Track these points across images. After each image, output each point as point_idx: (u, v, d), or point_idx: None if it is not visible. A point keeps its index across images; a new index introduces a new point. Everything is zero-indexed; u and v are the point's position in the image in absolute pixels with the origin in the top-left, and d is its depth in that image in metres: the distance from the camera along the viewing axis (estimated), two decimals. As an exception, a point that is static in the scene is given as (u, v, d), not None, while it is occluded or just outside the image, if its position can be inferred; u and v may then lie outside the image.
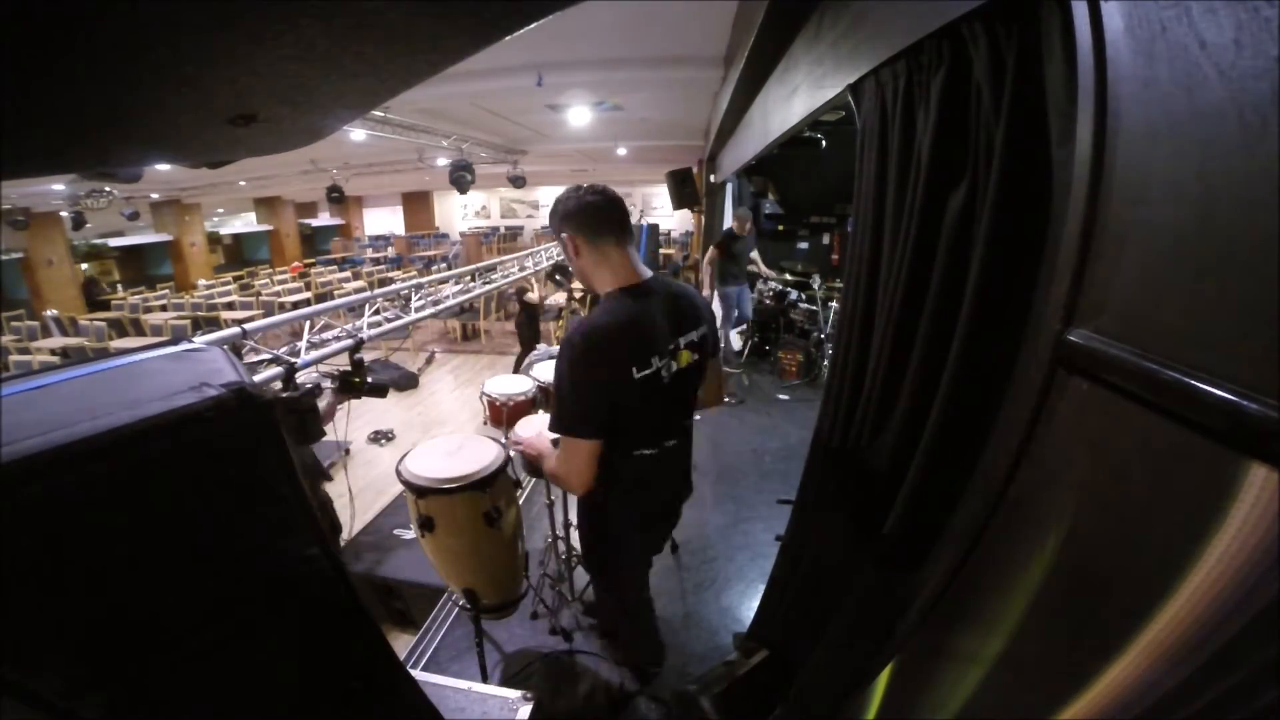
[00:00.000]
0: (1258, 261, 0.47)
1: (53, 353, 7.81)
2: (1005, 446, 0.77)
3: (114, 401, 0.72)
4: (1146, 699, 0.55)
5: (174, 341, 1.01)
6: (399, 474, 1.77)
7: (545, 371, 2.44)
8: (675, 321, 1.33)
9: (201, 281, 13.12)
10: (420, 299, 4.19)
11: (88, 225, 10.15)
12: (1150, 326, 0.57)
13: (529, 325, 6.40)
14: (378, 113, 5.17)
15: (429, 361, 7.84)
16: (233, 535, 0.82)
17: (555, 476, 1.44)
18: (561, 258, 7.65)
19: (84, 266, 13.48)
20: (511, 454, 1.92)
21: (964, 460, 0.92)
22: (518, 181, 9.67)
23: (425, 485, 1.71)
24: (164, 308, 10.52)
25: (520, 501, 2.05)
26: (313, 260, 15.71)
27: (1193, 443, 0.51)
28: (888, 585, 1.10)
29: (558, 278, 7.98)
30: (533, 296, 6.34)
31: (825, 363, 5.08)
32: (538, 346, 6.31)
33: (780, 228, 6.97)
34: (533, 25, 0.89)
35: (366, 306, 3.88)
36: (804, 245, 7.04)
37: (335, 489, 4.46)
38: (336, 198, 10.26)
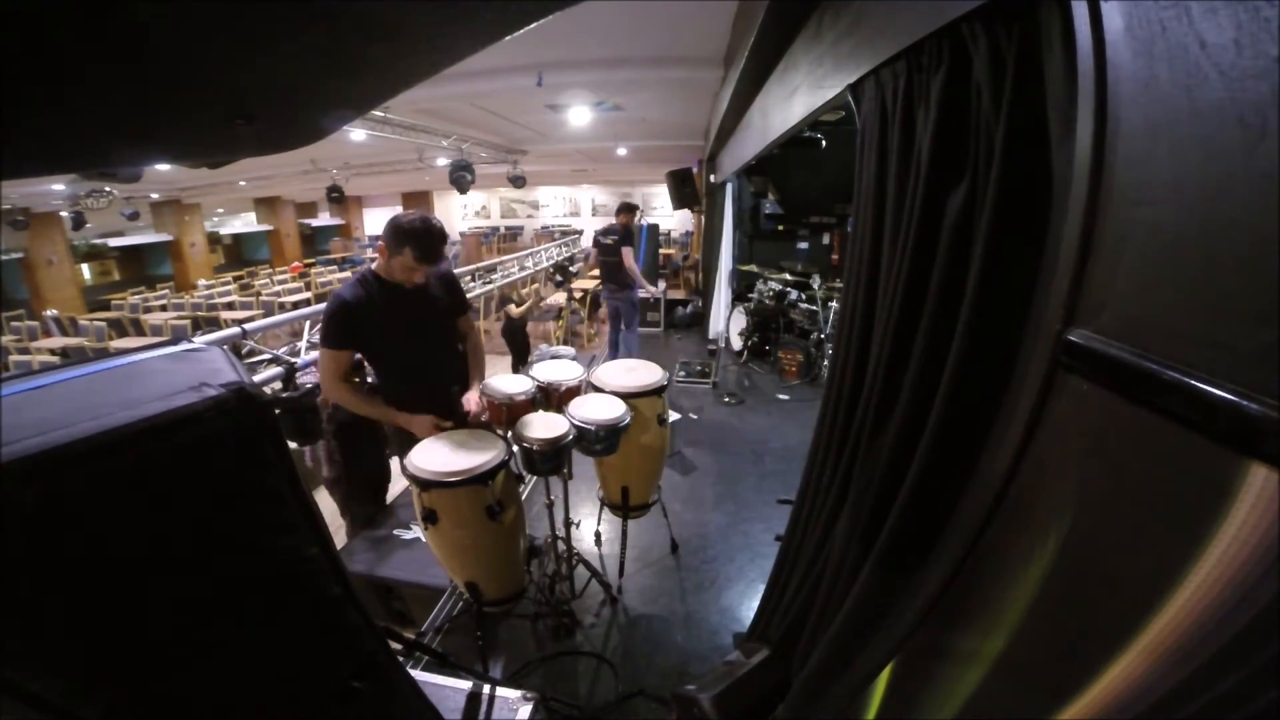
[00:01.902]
0: (1258, 261, 0.47)
1: (53, 353, 7.81)
2: (1005, 446, 0.77)
3: (114, 401, 0.72)
4: (1146, 699, 0.55)
5: (174, 341, 1.01)
6: (404, 467, 1.78)
7: (546, 372, 2.44)
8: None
9: (201, 281, 13.12)
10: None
11: (88, 225, 10.15)
12: (1150, 326, 0.57)
13: (515, 336, 6.18)
14: (378, 113, 5.17)
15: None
16: (232, 535, 0.82)
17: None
18: (562, 258, 7.60)
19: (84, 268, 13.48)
20: (515, 450, 1.93)
21: (964, 460, 0.92)
22: (518, 181, 9.67)
23: (429, 478, 1.72)
24: (164, 308, 10.52)
25: (522, 499, 2.05)
26: (313, 260, 15.71)
27: (1193, 443, 0.51)
28: (888, 585, 1.10)
29: (558, 278, 7.99)
30: (514, 309, 6.03)
31: (825, 363, 5.08)
32: (539, 348, 6.31)
33: (780, 228, 6.97)
34: (533, 25, 0.89)
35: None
36: (804, 245, 7.04)
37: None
38: (336, 198, 10.27)
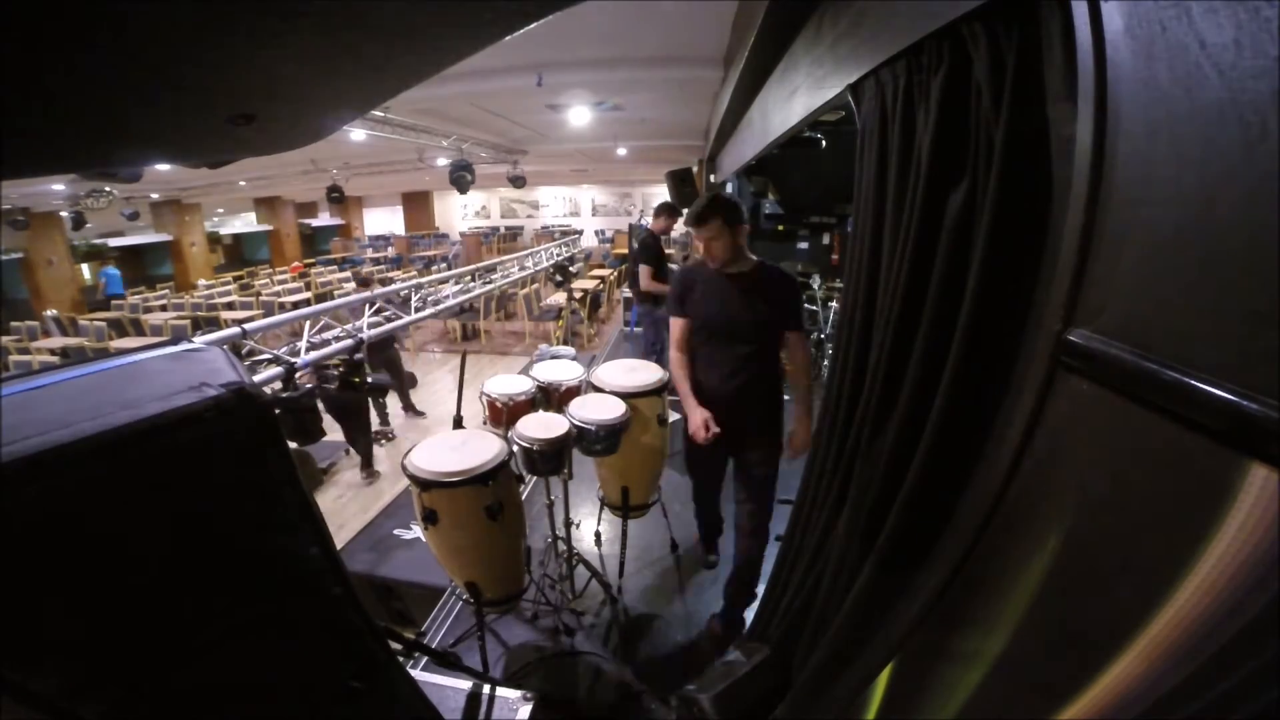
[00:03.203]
0: (1258, 261, 0.47)
1: (53, 353, 7.81)
2: (1005, 446, 0.77)
3: (114, 401, 0.72)
4: (1146, 699, 0.55)
5: (174, 341, 1.01)
6: (404, 467, 1.78)
7: (546, 372, 2.44)
8: None
9: (201, 281, 13.12)
10: (420, 299, 4.20)
11: (88, 225, 10.14)
12: (1150, 326, 0.57)
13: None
14: (378, 113, 5.17)
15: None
16: (232, 535, 0.82)
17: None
18: (562, 258, 7.57)
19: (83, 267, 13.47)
20: (514, 449, 1.94)
21: (964, 460, 0.92)
22: (518, 181, 9.67)
23: (429, 478, 1.72)
24: (164, 308, 10.52)
25: (522, 499, 2.05)
26: (313, 260, 15.71)
27: (1193, 443, 0.51)
28: (887, 585, 1.10)
29: (558, 278, 7.98)
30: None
31: (825, 363, 5.08)
32: (540, 348, 6.28)
33: (780, 228, 6.97)
34: (533, 25, 0.89)
35: (366, 306, 3.89)
36: (804, 245, 7.04)
37: (335, 489, 4.47)
38: (336, 198, 10.27)
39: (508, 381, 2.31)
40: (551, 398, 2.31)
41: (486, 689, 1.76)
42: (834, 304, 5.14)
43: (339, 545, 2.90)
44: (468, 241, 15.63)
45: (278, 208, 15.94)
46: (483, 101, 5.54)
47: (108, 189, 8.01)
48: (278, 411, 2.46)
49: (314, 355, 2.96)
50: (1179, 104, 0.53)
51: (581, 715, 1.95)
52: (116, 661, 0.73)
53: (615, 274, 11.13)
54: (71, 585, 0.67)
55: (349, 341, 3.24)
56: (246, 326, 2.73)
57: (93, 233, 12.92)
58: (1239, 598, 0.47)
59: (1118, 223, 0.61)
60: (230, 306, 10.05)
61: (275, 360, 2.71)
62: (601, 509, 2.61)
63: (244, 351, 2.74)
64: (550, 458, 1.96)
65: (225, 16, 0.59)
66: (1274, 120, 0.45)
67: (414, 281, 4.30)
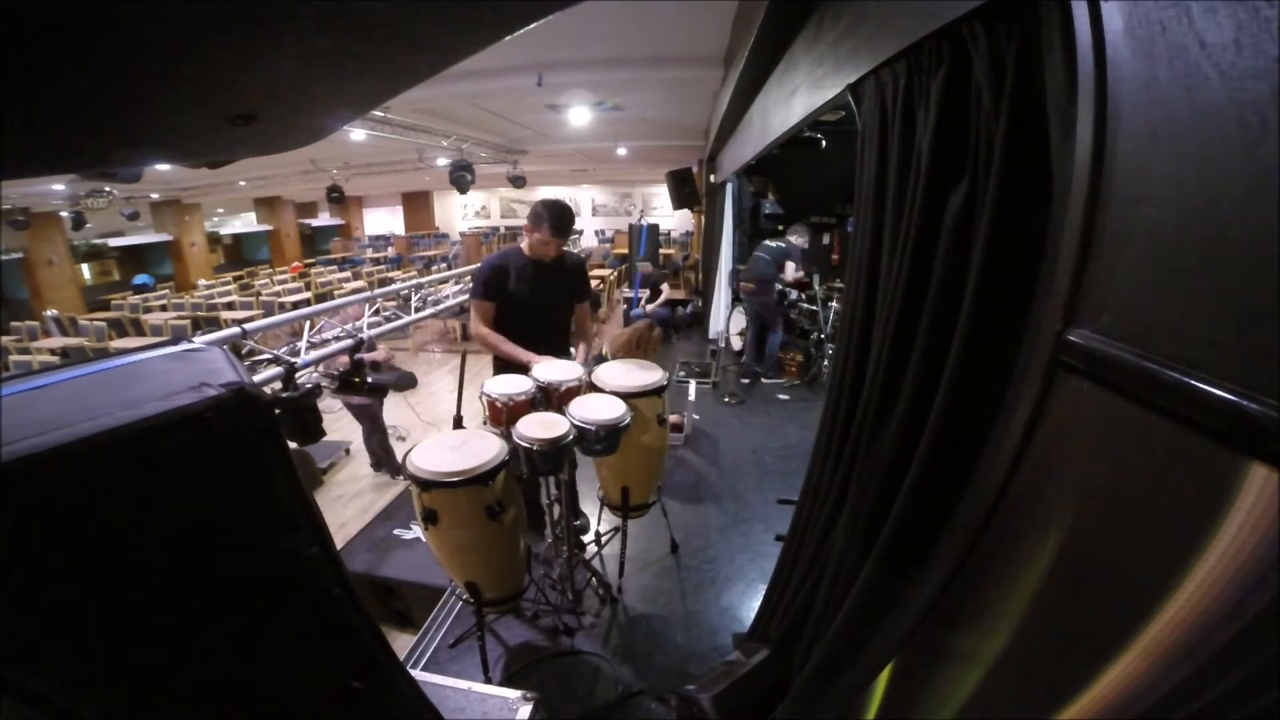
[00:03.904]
0: (1258, 261, 0.47)
1: (53, 353, 7.81)
2: (1005, 446, 0.77)
3: (114, 401, 0.72)
4: (1146, 699, 0.55)
5: (174, 341, 1.01)
6: (404, 467, 1.78)
7: (546, 372, 2.44)
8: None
9: (201, 281, 13.12)
10: (420, 299, 4.20)
11: (88, 225, 10.15)
12: (1150, 326, 0.57)
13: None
14: (378, 113, 5.17)
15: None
16: (232, 535, 0.82)
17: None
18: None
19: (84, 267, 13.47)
20: (519, 444, 1.94)
21: (964, 460, 0.92)
22: (518, 181, 9.67)
23: (429, 478, 1.72)
24: (164, 308, 10.52)
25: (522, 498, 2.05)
26: (313, 260, 15.69)
27: (1193, 443, 0.51)
28: (888, 585, 1.10)
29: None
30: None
31: (825, 363, 5.08)
32: None
33: (780, 228, 6.96)
34: (533, 25, 0.89)
35: (366, 306, 3.89)
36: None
37: (335, 489, 4.47)
38: (336, 198, 10.26)
39: (507, 381, 2.31)
40: (551, 398, 2.31)
41: (486, 689, 1.76)
42: (834, 304, 5.14)
43: (339, 545, 2.89)
44: (468, 241, 15.59)
45: (278, 208, 15.93)
46: (483, 101, 5.54)
47: (108, 189, 8.01)
48: (278, 411, 2.46)
49: (314, 355, 2.96)
50: (1179, 104, 0.53)
51: (582, 715, 1.95)
52: (116, 661, 0.73)
53: (615, 274, 11.12)
54: (71, 585, 0.67)
55: (349, 341, 3.24)
56: (246, 326, 2.73)
57: (93, 233, 12.91)
58: (1239, 598, 0.47)
59: (1118, 223, 0.61)
60: (230, 306, 10.04)
61: (275, 360, 2.70)
62: (601, 509, 2.61)
63: (244, 351, 2.74)
64: (550, 458, 1.96)
65: (225, 16, 0.59)
66: (1274, 120, 0.45)
67: (414, 281, 4.29)
